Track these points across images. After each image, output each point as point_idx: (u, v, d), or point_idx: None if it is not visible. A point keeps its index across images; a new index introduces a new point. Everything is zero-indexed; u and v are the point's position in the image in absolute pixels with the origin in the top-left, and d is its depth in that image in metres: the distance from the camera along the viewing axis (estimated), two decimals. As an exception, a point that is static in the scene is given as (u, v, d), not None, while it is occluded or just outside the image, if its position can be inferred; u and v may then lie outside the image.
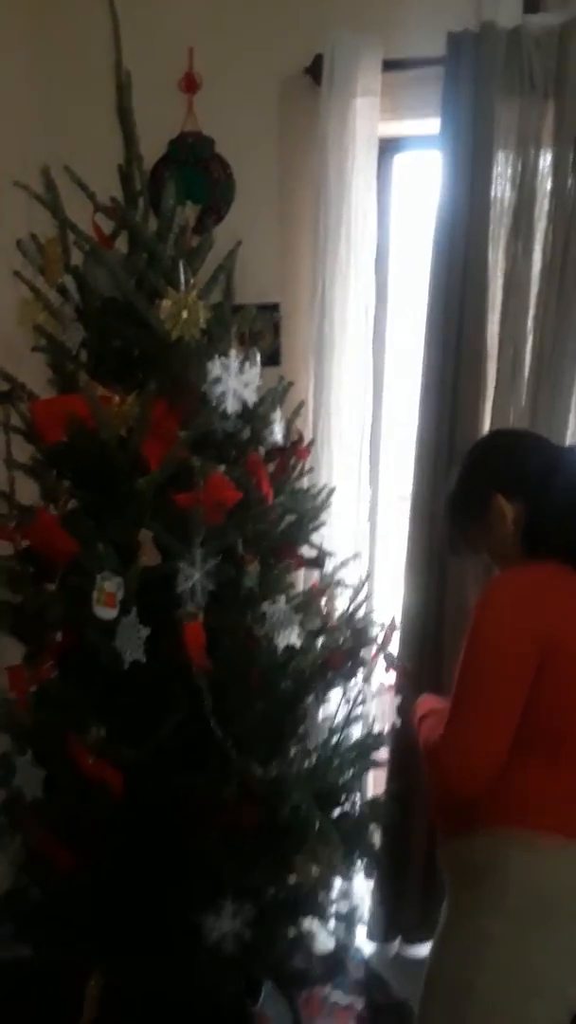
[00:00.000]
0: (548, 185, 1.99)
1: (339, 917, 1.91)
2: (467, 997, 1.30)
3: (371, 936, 2.33)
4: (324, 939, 2.02)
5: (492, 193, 2.01)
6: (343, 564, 1.94)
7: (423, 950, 2.31)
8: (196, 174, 2.19)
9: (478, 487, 1.46)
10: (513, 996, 1.28)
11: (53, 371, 1.69)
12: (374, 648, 1.86)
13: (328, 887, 1.76)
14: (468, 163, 1.99)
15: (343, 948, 2.20)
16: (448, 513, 1.54)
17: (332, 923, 1.90)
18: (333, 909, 1.87)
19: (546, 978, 1.29)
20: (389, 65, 2.05)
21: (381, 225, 2.20)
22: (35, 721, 1.60)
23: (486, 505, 1.43)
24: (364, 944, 2.34)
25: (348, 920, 1.94)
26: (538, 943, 1.29)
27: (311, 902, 1.74)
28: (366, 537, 2.29)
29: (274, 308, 2.21)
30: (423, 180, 2.19)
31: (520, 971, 1.29)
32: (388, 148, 2.20)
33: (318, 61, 2.05)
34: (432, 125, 2.04)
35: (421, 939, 2.28)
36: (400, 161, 2.25)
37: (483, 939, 1.30)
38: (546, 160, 1.99)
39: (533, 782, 1.34)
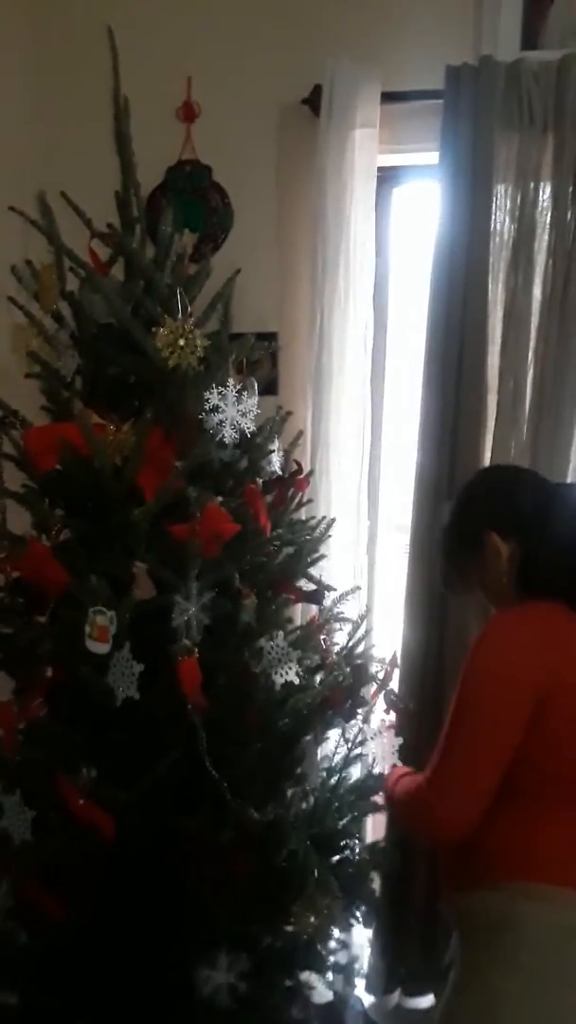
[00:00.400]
0: (548, 218, 1.99)
1: (337, 968, 1.83)
2: None
3: (370, 988, 2.24)
4: (322, 990, 1.94)
5: (491, 225, 2.00)
6: (342, 598, 1.90)
7: (423, 1002, 2.23)
8: (193, 202, 2.19)
9: (472, 524, 1.44)
10: None
11: (47, 398, 1.66)
12: (374, 686, 1.81)
13: (326, 937, 1.69)
14: (467, 195, 1.99)
15: (342, 1000, 2.12)
16: (442, 548, 1.53)
17: (330, 974, 1.83)
18: (331, 960, 1.79)
19: None
20: (388, 97, 2.05)
21: (380, 256, 2.19)
22: (23, 760, 1.54)
23: (480, 542, 1.41)
24: (363, 995, 2.25)
25: (347, 971, 1.86)
26: (553, 1002, 1.24)
27: (309, 952, 1.67)
28: (364, 570, 2.25)
29: (272, 337, 2.19)
30: (422, 211, 2.18)
31: None
32: (387, 179, 2.20)
33: (317, 91, 2.05)
34: (431, 157, 2.04)
35: (421, 991, 2.20)
36: (399, 192, 2.25)
37: (497, 997, 1.26)
38: (545, 193, 1.99)
39: (547, 835, 1.30)
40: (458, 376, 2.02)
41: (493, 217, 2.00)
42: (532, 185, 1.98)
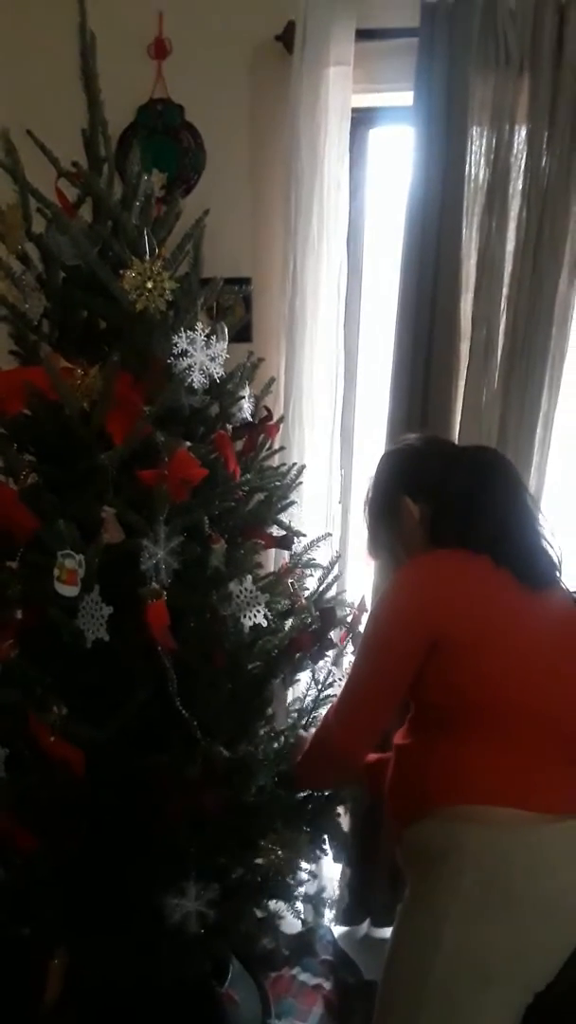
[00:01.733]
0: (523, 162, 1.97)
1: (307, 899, 1.90)
2: (424, 980, 1.29)
3: (340, 920, 2.33)
4: (292, 920, 2.01)
5: (466, 169, 1.98)
6: (313, 544, 1.92)
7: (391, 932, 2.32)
8: (165, 142, 2.14)
9: (388, 492, 1.57)
10: (470, 981, 1.28)
11: (15, 342, 1.64)
12: (343, 629, 1.84)
13: (295, 869, 1.75)
14: (442, 138, 1.96)
15: (311, 930, 2.20)
16: (366, 519, 1.64)
17: (300, 905, 1.89)
18: (301, 891, 1.85)
19: (503, 963, 1.28)
20: (363, 34, 2.00)
21: (354, 199, 2.16)
22: (-3, 700, 1.57)
23: (397, 508, 1.54)
24: (332, 927, 2.34)
25: (316, 902, 1.93)
26: (494, 927, 1.28)
27: (278, 884, 1.72)
28: (337, 518, 2.27)
29: (246, 282, 2.17)
30: (397, 154, 2.15)
31: (476, 956, 1.28)
32: (362, 120, 2.16)
33: (290, 28, 2.00)
34: (407, 97, 2.00)
35: (390, 922, 2.27)
36: (374, 134, 2.21)
37: (440, 921, 1.30)
38: (520, 136, 1.97)
39: (479, 758, 1.35)
40: (431, 323, 2.02)
41: (468, 160, 1.97)
42: (507, 127, 1.95)
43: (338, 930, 2.35)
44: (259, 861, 1.66)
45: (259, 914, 1.81)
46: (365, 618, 1.82)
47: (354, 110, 2.06)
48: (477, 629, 1.36)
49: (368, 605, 1.90)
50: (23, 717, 1.42)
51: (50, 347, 1.55)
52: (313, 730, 1.67)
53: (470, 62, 1.92)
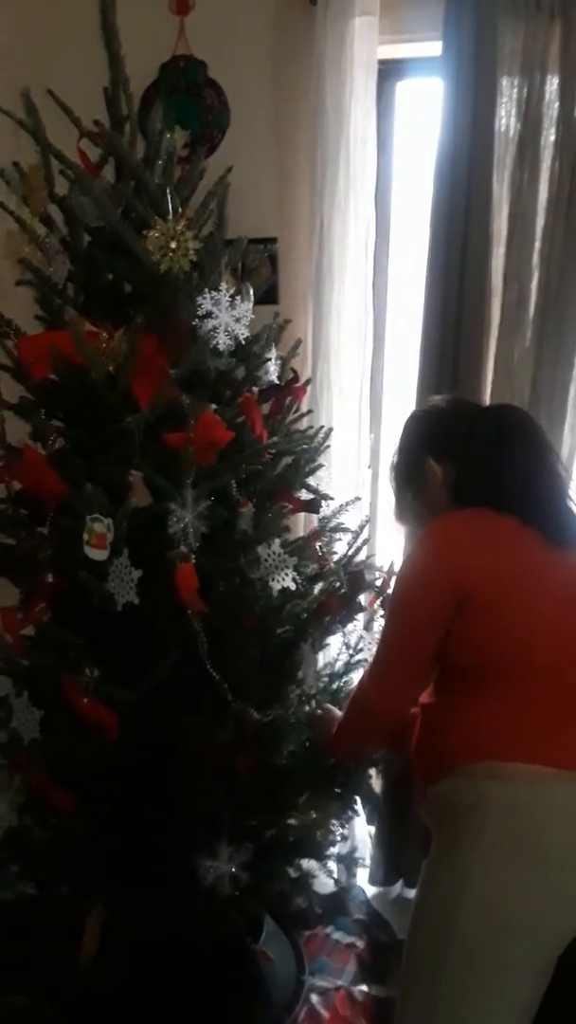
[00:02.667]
0: (555, 112, 1.91)
1: (340, 859, 1.91)
2: (449, 933, 1.30)
3: (372, 880, 2.35)
4: (325, 880, 2.03)
5: (496, 121, 1.93)
6: (342, 508, 1.90)
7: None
8: (188, 100, 2.10)
9: (412, 454, 1.57)
10: (493, 935, 1.28)
11: (40, 306, 1.63)
12: (372, 594, 1.83)
13: (327, 830, 1.76)
14: (471, 89, 1.90)
15: (344, 889, 2.23)
16: (392, 484, 1.64)
17: (333, 865, 1.91)
18: (334, 851, 1.87)
19: (522, 916, 1.29)
20: (389, -18, 1.94)
21: (382, 154, 2.11)
22: (30, 663, 1.59)
23: (422, 471, 1.53)
24: (366, 886, 2.36)
25: (348, 862, 1.95)
26: (516, 881, 1.29)
27: (310, 844, 1.74)
28: (367, 483, 2.25)
29: (271, 242, 2.14)
30: (425, 106, 2.09)
31: (499, 909, 1.29)
32: (389, 73, 2.10)
33: (314, -22, 1.94)
34: (434, 47, 1.94)
35: (422, 881, 2.30)
36: (402, 87, 2.15)
37: (463, 876, 1.31)
38: (552, 86, 1.91)
39: (504, 715, 1.36)
40: (461, 279, 1.97)
41: (498, 112, 1.92)
42: (538, 77, 1.89)
43: (371, 890, 2.37)
44: (292, 822, 1.68)
45: (292, 873, 1.83)
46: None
47: (380, 62, 2.01)
48: (502, 587, 1.37)
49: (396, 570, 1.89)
50: (56, 680, 1.44)
51: (75, 311, 1.54)
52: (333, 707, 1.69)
53: (499, 10, 1.86)
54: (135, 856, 1.58)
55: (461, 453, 1.48)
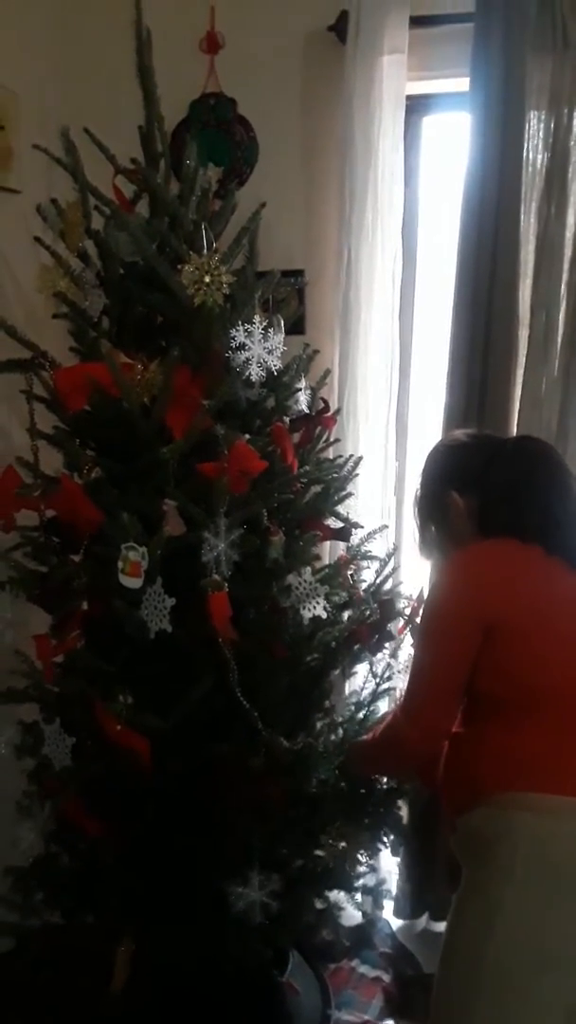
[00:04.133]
0: (582, 145, 1.93)
1: (366, 891, 1.90)
2: (480, 969, 1.29)
3: (398, 913, 2.32)
4: (351, 912, 2.01)
5: (524, 154, 1.95)
6: (370, 536, 1.91)
7: (450, 925, 2.30)
8: (218, 136, 2.15)
9: (435, 488, 1.56)
10: (525, 968, 1.27)
11: (75, 339, 1.67)
12: (401, 622, 1.83)
13: (355, 861, 1.75)
14: (499, 123, 1.93)
15: (370, 922, 2.20)
16: (416, 518, 1.64)
17: (359, 896, 1.90)
18: (360, 883, 1.85)
19: (558, 949, 1.27)
20: (417, 21, 1.98)
21: (409, 188, 2.14)
22: (62, 690, 1.60)
23: (444, 503, 1.53)
24: (391, 919, 2.33)
25: (375, 894, 1.93)
26: (548, 914, 1.27)
27: (338, 875, 1.73)
28: (392, 510, 2.26)
29: (299, 275, 2.17)
30: (452, 140, 2.12)
31: (531, 942, 1.27)
32: (416, 108, 2.14)
33: (343, 18, 1.99)
34: (462, 83, 1.98)
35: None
36: (429, 122, 2.19)
37: (494, 910, 1.29)
38: (580, 119, 1.92)
39: (532, 746, 1.35)
40: (488, 311, 1.99)
41: (525, 145, 1.94)
42: (566, 111, 1.92)
43: (396, 923, 2.34)
44: (320, 853, 1.67)
45: (319, 905, 1.82)
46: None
47: (408, 97, 2.04)
48: (529, 615, 1.37)
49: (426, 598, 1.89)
50: (88, 707, 1.45)
51: (109, 343, 1.57)
52: (369, 736, 1.67)
53: (527, 46, 1.90)
54: (164, 884, 1.58)
55: (484, 485, 1.49)
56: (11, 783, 1.69)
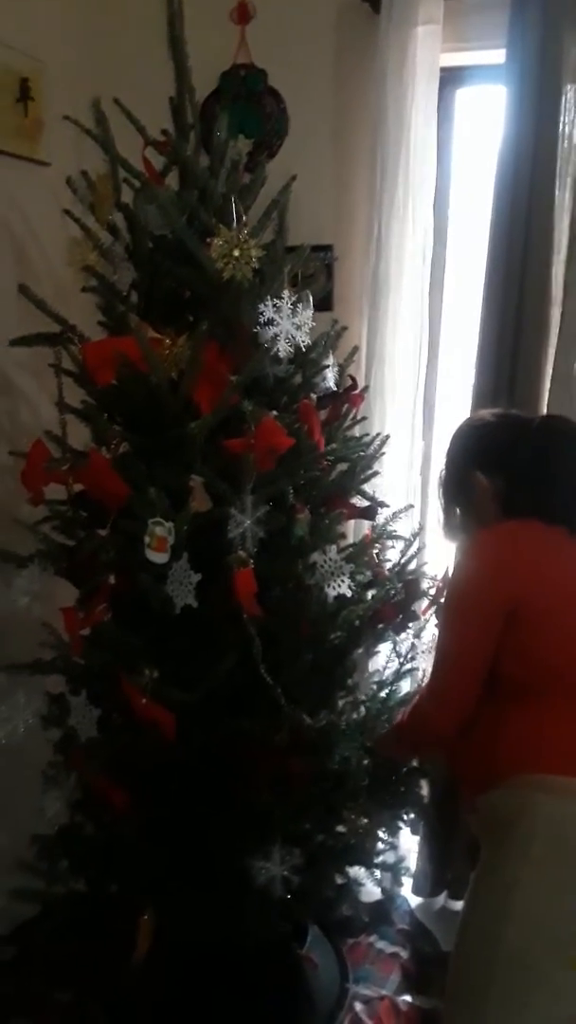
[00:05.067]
0: (619, 119, 1.88)
1: (385, 867, 1.91)
2: (496, 948, 1.29)
3: (417, 890, 2.33)
4: (371, 888, 2.03)
5: (559, 128, 1.91)
6: (395, 515, 1.90)
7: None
8: (248, 108, 2.12)
9: (459, 468, 1.56)
10: (540, 949, 1.27)
11: (103, 313, 1.66)
12: (426, 602, 1.82)
13: (375, 838, 1.76)
14: (534, 96, 1.89)
15: (389, 898, 2.21)
16: (441, 499, 1.63)
17: (378, 873, 1.91)
18: (380, 859, 1.86)
19: (570, 931, 1.27)
20: (452, -9, 1.94)
21: (442, 162, 2.10)
22: (89, 662, 1.61)
23: (469, 484, 1.52)
24: (410, 897, 2.35)
25: (394, 871, 1.94)
26: (565, 896, 1.27)
27: (358, 851, 1.74)
28: (418, 490, 2.25)
29: (327, 249, 2.15)
30: (486, 113, 2.08)
31: (547, 921, 1.27)
32: (450, 80, 2.10)
33: (377, -13, 1.95)
34: (497, 55, 1.94)
35: (467, 894, 2.28)
36: (463, 95, 2.14)
37: (511, 889, 1.30)
38: (618, 93, 1.88)
39: (553, 728, 1.36)
40: (520, 288, 1.96)
41: (561, 119, 1.89)
42: (604, 84, 1.87)
43: (415, 901, 2.36)
44: (341, 829, 1.67)
45: (339, 880, 1.83)
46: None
47: (442, 69, 2.01)
48: (553, 597, 1.37)
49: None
50: (115, 679, 1.46)
51: (138, 317, 1.56)
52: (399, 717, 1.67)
53: (564, 17, 1.84)
54: (186, 856, 1.59)
55: (509, 465, 1.48)
56: (38, 753, 1.71)
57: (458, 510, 1.59)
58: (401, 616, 1.79)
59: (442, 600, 1.80)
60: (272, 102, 2.14)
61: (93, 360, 1.53)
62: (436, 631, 1.58)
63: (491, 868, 1.38)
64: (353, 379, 1.82)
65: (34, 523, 1.69)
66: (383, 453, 1.86)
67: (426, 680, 1.52)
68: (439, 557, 2.22)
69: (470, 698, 1.44)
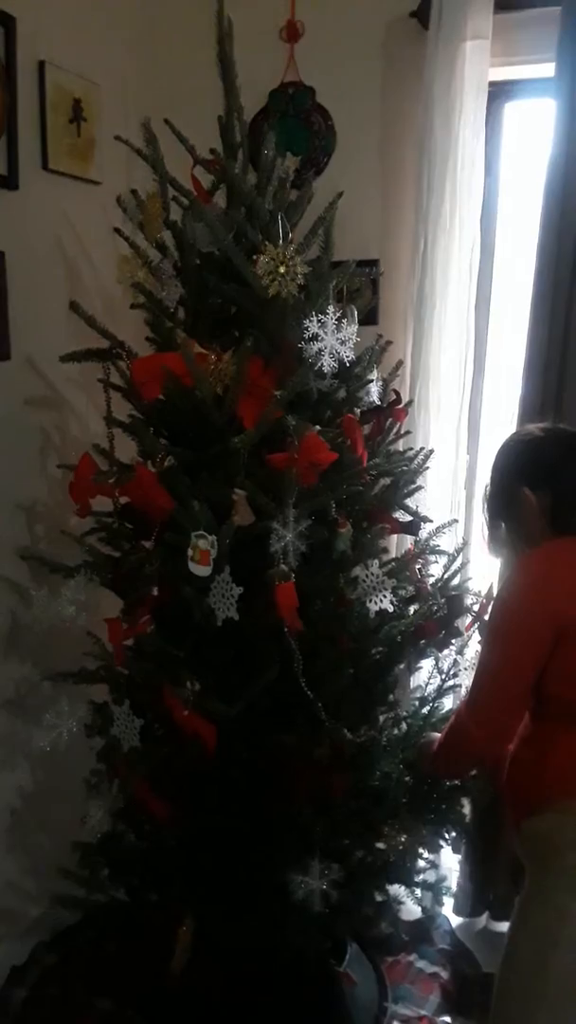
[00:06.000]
0: None
1: (426, 886, 1.89)
2: (543, 975, 1.28)
3: (458, 910, 2.30)
4: (411, 907, 2.01)
5: (610, 142, 1.89)
6: (439, 530, 1.89)
7: (510, 926, 2.27)
8: (296, 125, 2.14)
9: (506, 484, 1.53)
10: None
11: (151, 329, 1.69)
12: (469, 619, 1.81)
13: (415, 856, 1.74)
14: (584, 110, 1.87)
15: (430, 917, 2.19)
16: (487, 515, 1.61)
17: (419, 891, 1.89)
18: (421, 878, 1.85)
19: None
20: (501, 6, 1.93)
21: (489, 177, 2.09)
22: (132, 672, 1.63)
23: (516, 499, 1.49)
24: (451, 916, 2.32)
25: (435, 890, 1.92)
26: None
27: (399, 869, 1.73)
28: (462, 504, 2.23)
29: (373, 264, 2.15)
30: (535, 127, 2.07)
31: None
32: (498, 94, 2.09)
33: (425, 3, 1.95)
34: (546, 69, 1.92)
35: (508, 916, 2.23)
36: (511, 108, 2.14)
37: (560, 919, 1.28)
38: None
39: None
40: (569, 303, 1.93)
41: (612, 133, 1.88)
42: None
43: (456, 920, 2.33)
44: (381, 846, 1.66)
45: (379, 897, 1.82)
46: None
47: (490, 83, 2.00)
48: None
49: (495, 595, 1.87)
50: (157, 690, 1.47)
51: (184, 333, 1.58)
52: (439, 733, 1.66)
53: (616, 29, 1.83)
54: (226, 868, 1.60)
55: (557, 481, 1.46)
56: (81, 761, 1.74)
57: (503, 525, 1.57)
58: (444, 632, 1.78)
59: (487, 617, 1.79)
60: (319, 119, 2.16)
61: (140, 375, 1.55)
62: (479, 647, 1.56)
63: (538, 894, 1.37)
64: (397, 393, 1.82)
65: (81, 535, 1.72)
66: (427, 468, 1.86)
67: (465, 697, 1.51)
68: (483, 573, 2.21)
69: (511, 718, 1.42)
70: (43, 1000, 2.00)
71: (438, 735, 1.67)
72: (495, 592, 1.87)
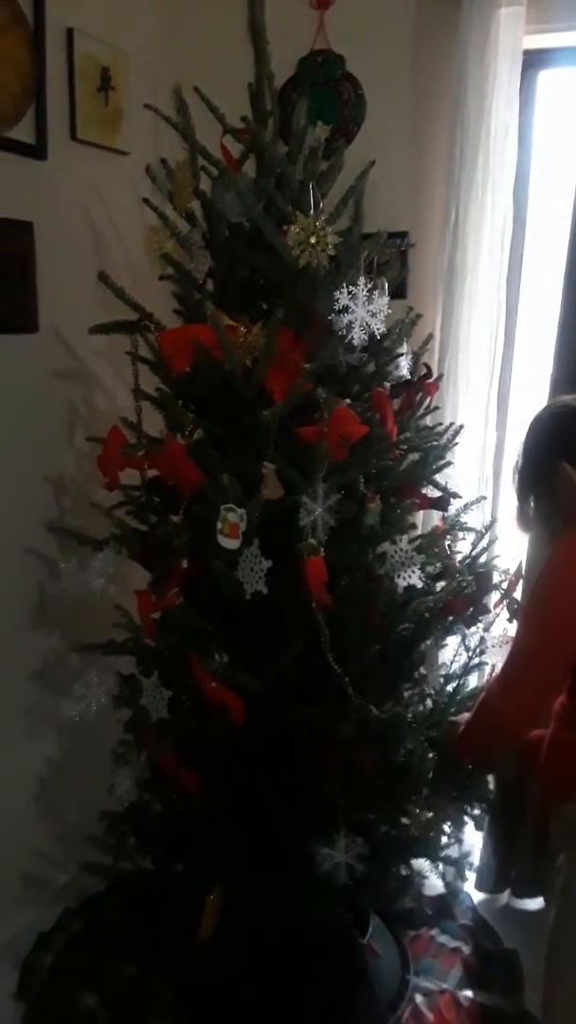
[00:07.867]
0: None
1: (449, 862, 1.89)
2: None
3: (480, 886, 2.31)
4: (434, 882, 2.01)
5: None
6: (467, 507, 1.87)
7: (532, 904, 2.27)
8: (325, 94, 2.11)
9: (542, 458, 1.48)
10: None
11: (179, 301, 1.68)
12: (497, 596, 1.79)
13: (440, 831, 1.74)
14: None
15: (452, 892, 2.19)
16: (518, 489, 1.56)
17: (442, 867, 1.89)
18: (444, 853, 1.85)
19: None
20: (538, -30, 1.89)
21: (522, 146, 2.04)
22: (160, 644, 1.64)
23: (552, 474, 1.44)
24: (473, 892, 2.32)
25: (458, 865, 1.92)
26: None
27: (423, 843, 1.73)
28: (491, 481, 2.21)
29: (403, 236, 2.12)
30: (570, 98, 2.02)
31: None
32: (533, 63, 2.04)
33: (460, -31, 1.91)
34: (582, 35, 1.88)
35: (531, 893, 2.24)
36: (545, 77, 2.08)
37: None
38: None
39: None
40: (603, 277, 1.90)
41: None
42: None
43: (478, 896, 2.33)
44: (405, 820, 1.67)
45: (403, 872, 1.82)
46: (520, 585, 1.77)
47: (524, 52, 1.95)
48: None
49: (523, 571, 1.85)
50: (185, 662, 1.48)
51: (213, 305, 1.57)
52: (466, 715, 1.65)
53: None
54: (252, 840, 1.61)
55: None
56: (109, 731, 1.75)
57: (534, 501, 1.53)
58: (472, 609, 1.76)
59: (528, 596, 1.77)
60: (349, 88, 2.12)
61: (169, 348, 1.54)
62: (516, 626, 1.54)
63: None
64: (428, 367, 1.80)
65: (109, 507, 1.73)
66: (456, 443, 1.84)
67: (498, 673, 1.49)
68: (511, 550, 2.19)
69: (542, 699, 1.41)
70: (69, 966, 2.03)
71: (466, 715, 1.66)
72: (523, 570, 1.86)
